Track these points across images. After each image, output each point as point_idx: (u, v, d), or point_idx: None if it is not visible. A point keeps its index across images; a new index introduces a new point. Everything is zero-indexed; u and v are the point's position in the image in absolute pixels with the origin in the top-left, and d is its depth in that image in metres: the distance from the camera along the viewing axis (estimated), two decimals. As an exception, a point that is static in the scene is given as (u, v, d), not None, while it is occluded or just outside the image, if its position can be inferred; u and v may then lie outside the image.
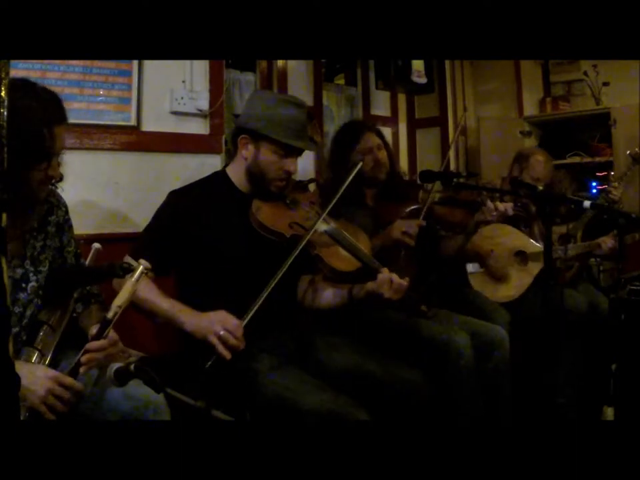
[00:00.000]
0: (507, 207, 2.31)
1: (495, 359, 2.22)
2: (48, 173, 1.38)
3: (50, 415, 1.26)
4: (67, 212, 1.59)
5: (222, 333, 1.58)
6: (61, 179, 1.46)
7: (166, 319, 1.71)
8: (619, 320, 2.53)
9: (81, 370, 1.32)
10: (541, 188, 1.89)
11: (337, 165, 2.42)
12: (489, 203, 2.32)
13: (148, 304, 1.70)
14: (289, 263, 1.67)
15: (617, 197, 2.93)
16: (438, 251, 2.53)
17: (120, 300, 1.31)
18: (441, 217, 2.39)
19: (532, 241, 2.80)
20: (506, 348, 2.25)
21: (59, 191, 1.56)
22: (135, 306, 1.72)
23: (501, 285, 2.75)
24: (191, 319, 1.66)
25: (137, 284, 1.33)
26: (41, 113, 1.33)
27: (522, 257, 2.78)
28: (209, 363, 1.56)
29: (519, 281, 2.75)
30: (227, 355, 1.57)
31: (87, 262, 1.66)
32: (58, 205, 1.56)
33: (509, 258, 2.77)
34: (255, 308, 1.61)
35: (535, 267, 2.73)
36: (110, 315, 1.31)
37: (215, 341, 1.58)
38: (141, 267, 1.33)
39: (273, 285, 1.64)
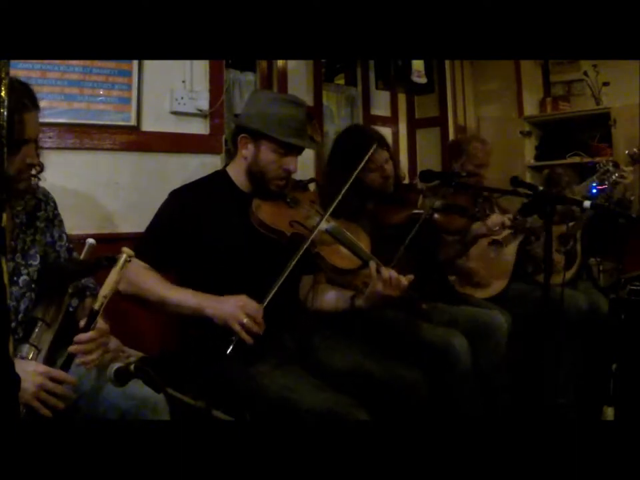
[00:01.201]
0: (504, 219, 2.34)
1: (492, 343, 2.24)
2: (26, 160, 1.39)
3: (45, 410, 1.26)
4: (55, 207, 1.60)
5: (245, 320, 1.58)
6: (41, 168, 1.47)
7: (182, 307, 1.70)
8: (619, 320, 2.53)
9: (77, 360, 1.32)
10: (541, 188, 1.88)
11: (340, 177, 2.37)
12: (495, 217, 2.33)
13: (162, 295, 1.71)
14: (297, 258, 1.67)
15: (627, 180, 2.86)
16: (437, 254, 2.54)
17: (105, 290, 1.32)
18: (440, 223, 2.38)
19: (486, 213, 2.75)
20: (503, 332, 2.27)
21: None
22: (146, 302, 1.73)
23: (486, 280, 2.73)
24: (212, 304, 1.66)
25: (121, 272, 1.33)
26: (11, 102, 1.33)
27: (496, 244, 2.76)
28: (230, 349, 1.56)
29: (502, 270, 2.74)
30: (249, 340, 1.58)
31: (82, 257, 1.66)
32: (46, 200, 1.58)
33: (486, 252, 2.76)
34: (273, 292, 1.61)
35: (512, 249, 2.72)
36: (96, 305, 1.32)
37: (237, 327, 1.58)
38: (124, 256, 1.34)
39: (286, 273, 1.64)
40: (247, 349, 1.61)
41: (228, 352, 1.55)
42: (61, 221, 1.62)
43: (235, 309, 1.60)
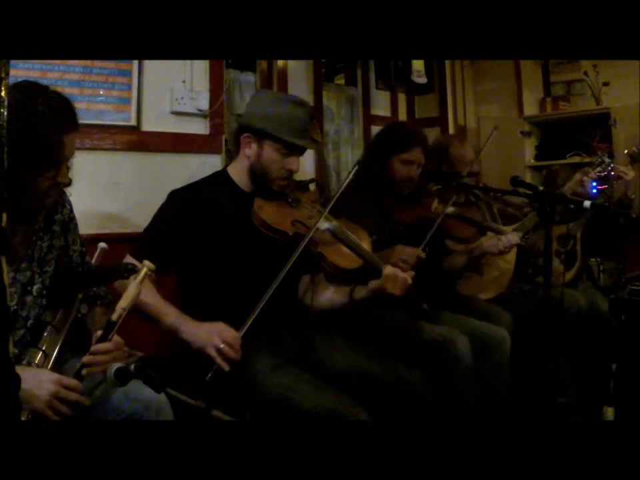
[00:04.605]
0: (516, 239, 2.39)
1: (495, 358, 2.23)
2: (56, 179, 1.36)
3: (56, 418, 1.25)
4: (71, 210, 1.57)
5: (222, 346, 1.56)
6: (69, 183, 1.44)
7: (164, 325, 1.70)
8: (619, 320, 2.53)
9: (84, 372, 1.31)
10: (541, 188, 1.88)
11: (371, 162, 2.40)
12: (507, 239, 2.34)
13: (148, 307, 1.70)
14: (291, 262, 1.67)
15: (627, 176, 2.84)
16: (441, 264, 2.54)
17: (124, 302, 1.30)
18: (450, 229, 2.39)
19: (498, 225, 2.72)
20: (506, 348, 2.25)
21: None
22: (135, 308, 1.72)
23: (487, 282, 2.73)
24: (189, 329, 1.64)
25: (141, 285, 1.32)
26: (50, 120, 1.30)
27: None
28: (209, 375, 1.54)
29: (505, 270, 2.73)
30: (225, 367, 1.56)
31: (93, 261, 1.65)
32: (63, 203, 1.54)
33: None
34: (252, 318, 1.59)
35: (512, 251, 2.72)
36: (114, 317, 1.30)
37: (213, 353, 1.57)
38: (145, 269, 1.33)
39: (273, 288, 1.62)
40: (247, 350, 1.61)
41: (207, 378, 1.53)
42: (75, 225, 1.58)
43: (211, 334, 1.59)
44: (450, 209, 2.30)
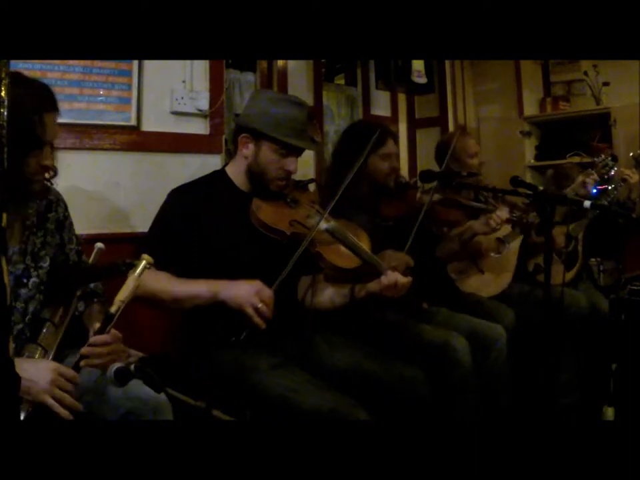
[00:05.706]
0: (504, 213, 2.35)
1: (492, 356, 2.23)
2: (41, 162, 1.38)
3: (59, 407, 1.25)
4: (66, 209, 1.59)
5: (260, 305, 1.59)
6: (55, 172, 1.46)
7: (197, 298, 1.70)
8: (619, 320, 2.53)
9: (82, 364, 1.31)
10: (541, 188, 1.88)
11: (347, 168, 2.37)
12: (499, 214, 2.33)
13: (176, 292, 1.71)
14: (296, 258, 1.67)
15: (632, 179, 2.87)
16: (434, 252, 2.53)
17: (123, 295, 1.31)
18: (439, 216, 2.38)
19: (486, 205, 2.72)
20: (503, 345, 2.26)
21: (57, 188, 1.56)
22: (158, 302, 1.73)
23: (491, 278, 2.72)
24: (226, 288, 1.66)
25: (140, 279, 1.33)
26: (31, 101, 1.34)
27: (499, 242, 2.73)
28: (243, 334, 1.56)
29: (505, 267, 2.73)
30: (262, 325, 1.59)
31: (91, 261, 1.65)
32: (57, 201, 1.56)
33: (493, 249, 2.74)
34: (282, 277, 1.62)
35: (515, 246, 2.70)
36: (113, 309, 1.31)
37: (251, 311, 1.59)
38: (144, 262, 1.33)
39: (291, 265, 1.64)
40: (248, 350, 1.61)
41: (242, 337, 1.55)
42: (71, 223, 1.61)
43: (249, 293, 1.61)
44: (435, 197, 2.30)
